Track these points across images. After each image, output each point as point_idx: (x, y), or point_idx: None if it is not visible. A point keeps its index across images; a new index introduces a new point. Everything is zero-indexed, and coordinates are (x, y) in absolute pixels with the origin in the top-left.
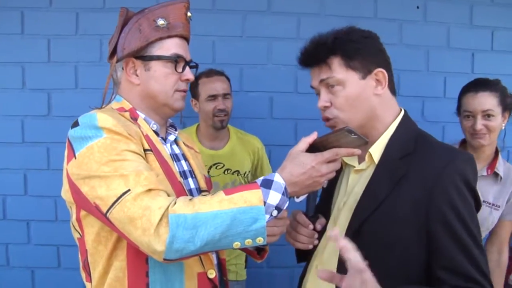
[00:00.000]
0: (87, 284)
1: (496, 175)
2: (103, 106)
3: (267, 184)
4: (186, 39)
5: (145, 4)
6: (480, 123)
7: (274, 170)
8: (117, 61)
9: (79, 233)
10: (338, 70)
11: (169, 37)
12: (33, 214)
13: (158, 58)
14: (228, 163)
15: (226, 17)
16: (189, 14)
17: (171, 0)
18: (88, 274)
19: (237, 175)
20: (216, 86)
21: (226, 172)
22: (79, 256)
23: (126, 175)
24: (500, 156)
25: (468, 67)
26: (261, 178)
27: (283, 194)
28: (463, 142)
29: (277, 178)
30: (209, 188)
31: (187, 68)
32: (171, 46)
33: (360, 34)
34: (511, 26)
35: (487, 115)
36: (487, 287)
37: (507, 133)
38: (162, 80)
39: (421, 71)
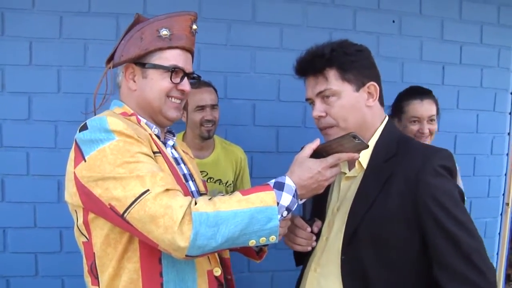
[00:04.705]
0: None
1: None
2: (97, 108)
3: (280, 187)
4: (189, 51)
5: (132, 10)
6: (427, 127)
7: (254, 178)
8: (113, 66)
9: (85, 237)
10: (334, 82)
11: (170, 48)
12: (10, 221)
13: (156, 67)
14: (212, 172)
15: (211, 26)
16: (194, 27)
17: (178, 11)
18: (96, 277)
19: (219, 184)
20: (205, 97)
21: (208, 181)
22: (84, 260)
23: (142, 176)
24: None
25: (439, 79)
26: (273, 180)
27: (293, 196)
28: None
29: (288, 181)
30: (206, 191)
31: (185, 79)
32: (170, 57)
33: (354, 48)
34: (478, 41)
35: (431, 120)
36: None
37: None
38: (156, 87)
39: (396, 82)
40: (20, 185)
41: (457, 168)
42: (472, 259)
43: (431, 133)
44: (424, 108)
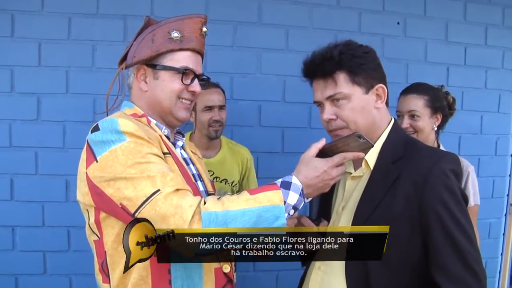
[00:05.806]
0: (104, 286)
1: None
2: (109, 108)
3: (287, 186)
4: (199, 53)
5: (139, 11)
6: (406, 122)
7: (260, 178)
8: (126, 67)
9: (97, 235)
10: (344, 85)
11: (181, 49)
12: (19, 220)
13: (167, 68)
14: (218, 171)
15: (218, 27)
16: (204, 29)
17: (188, 14)
18: (107, 275)
19: (225, 183)
20: (213, 97)
21: (215, 180)
22: (95, 258)
23: (152, 176)
24: None
25: (443, 80)
26: (280, 180)
27: (300, 195)
28: None
29: (295, 180)
30: (214, 191)
31: (196, 81)
32: (181, 59)
33: (361, 50)
34: (482, 43)
35: (412, 115)
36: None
37: None
38: (167, 88)
39: (400, 83)
40: (29, 185)
41: (472, 169)
42: (470, 264)
43: (415, 130)
44: (404, 102)
